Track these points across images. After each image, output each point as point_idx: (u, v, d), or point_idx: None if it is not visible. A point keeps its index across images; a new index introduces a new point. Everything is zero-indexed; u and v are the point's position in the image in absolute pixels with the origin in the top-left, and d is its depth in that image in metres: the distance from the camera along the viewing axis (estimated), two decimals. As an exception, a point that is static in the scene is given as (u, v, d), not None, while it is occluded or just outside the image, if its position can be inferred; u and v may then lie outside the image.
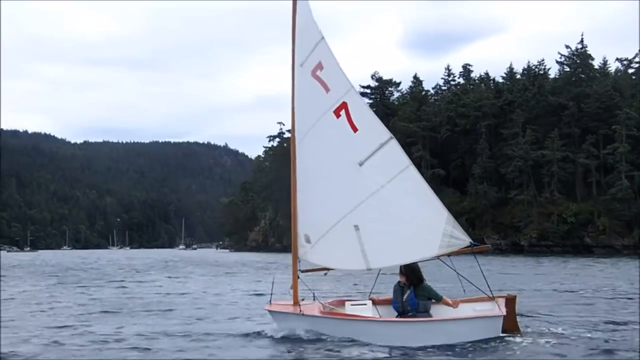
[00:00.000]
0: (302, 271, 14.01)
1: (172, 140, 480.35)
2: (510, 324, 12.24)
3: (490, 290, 12.48)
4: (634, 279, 32.30)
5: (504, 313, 12.00)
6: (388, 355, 11.30)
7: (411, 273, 12.81)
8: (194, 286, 30.32)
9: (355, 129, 13.37)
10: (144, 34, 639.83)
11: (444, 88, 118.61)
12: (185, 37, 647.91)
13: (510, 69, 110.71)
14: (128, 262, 68.54)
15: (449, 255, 12.48)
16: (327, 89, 13.71)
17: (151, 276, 39.94)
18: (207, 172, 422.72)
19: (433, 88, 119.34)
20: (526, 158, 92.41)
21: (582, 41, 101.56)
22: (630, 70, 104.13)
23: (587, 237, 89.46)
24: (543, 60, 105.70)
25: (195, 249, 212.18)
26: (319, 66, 13.85)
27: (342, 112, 13.47)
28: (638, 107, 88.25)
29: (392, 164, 12.97)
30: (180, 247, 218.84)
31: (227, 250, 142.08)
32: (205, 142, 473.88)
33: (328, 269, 14.12)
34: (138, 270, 49.80)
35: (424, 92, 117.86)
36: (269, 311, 13.90)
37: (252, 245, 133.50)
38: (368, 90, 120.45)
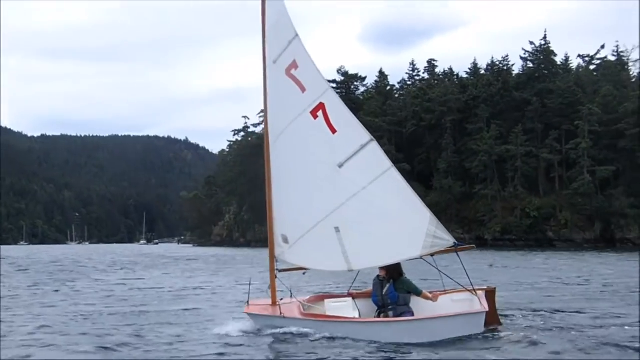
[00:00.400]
0: (280, 271, 13.82)
1: (132, 134, 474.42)
2: (490, 317, 12.27)
3: (472, 284, 12.53)
4: (603, 271, 33.43)
5: (487, 309, 12.04)
6: (371, 356, 11.10)
7: (392, 267, 12.82)
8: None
9: (334, 130, 13.22)
10: (102, 24, 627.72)
11: (409, 83, 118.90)
12: (144, 28, 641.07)
13: (474, 64, 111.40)
14: (101, 259, 66.11)
15: (432, 255, 12.50)
16: (302, 89, 13.49)
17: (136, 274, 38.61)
18: (167, 166, 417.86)
19: (399, 83, 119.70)
20: (491, 153, 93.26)
21: (545, 37, 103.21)
22: (592, 67, 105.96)
23: (549, 231, 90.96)
24: (507, 56, 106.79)
25: (156, 243, 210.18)
26: (294, 65, 13.60)
27: (320, 113, 13.30)
28: (600, 103, 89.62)
29: (373, 166, 12.88)
30: (142, 242, 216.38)
31: (190, 245, 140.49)
32: (166, 135, 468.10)
33: (306, 268, 14.05)
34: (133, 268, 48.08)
35: (389, 87, 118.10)
36: (249, 314, 13.56)
37: (217, 240, 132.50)
38: (334, 85, 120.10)
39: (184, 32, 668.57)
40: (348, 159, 13.05)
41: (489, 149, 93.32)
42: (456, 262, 12.32)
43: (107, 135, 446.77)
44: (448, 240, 12.47)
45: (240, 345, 12.21)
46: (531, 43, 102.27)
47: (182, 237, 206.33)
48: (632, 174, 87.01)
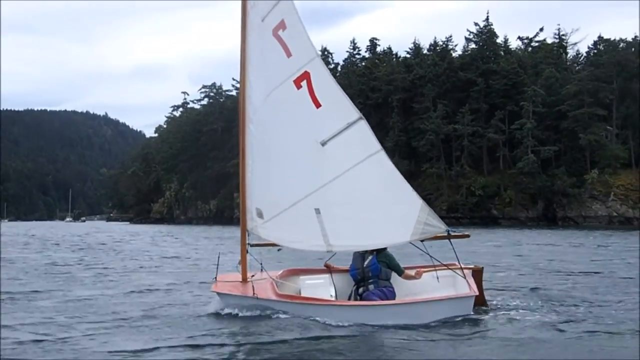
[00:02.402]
0: (252, 245, 12.72)
1: (49, 108, 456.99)
2: (477, 298, 11.81)
3: (460, 263, 12.17)
4: (547, 249, 34.50)
5: (477, 292, 11.66)
6: (352, 340, 10.36)
7: None
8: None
9: (317, 104, 11.98)
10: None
11: (347, 61, 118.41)
12: (61, 1, 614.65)
13: (415, 44, 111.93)
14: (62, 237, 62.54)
15: (422, 240, 11.84)
16: (288, 53, 12.09)
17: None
18: (86, 142, 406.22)
19: (344, 61, 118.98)
20: (438, 132, 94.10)
21: (487, 19, 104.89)
22: (529, 49, 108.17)
23: (494, 209, 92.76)
24: (451, 36, 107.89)
25: (84, 221, 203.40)
26: (282, 25, 12.12)
27: (304, 83, 11.99)
28: (543, 85, 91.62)
29: (361, 147, 11.91)
30: (68, 219, 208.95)
31: (127, 223, 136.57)
32: (84, 111, 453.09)
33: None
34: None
35: (332, 65, 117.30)
36: (217, 293, 12.26)
37: (156, 218, 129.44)
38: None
39: (105, 5, 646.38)
40: (332, 136, 11.94)
41: (436, 128, 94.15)
42: (439, 242, 11.92)
43: (23, 109, 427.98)
44: (440, 227, 11.79)
45: (209, 329, 11.10)
46: (476, 24, 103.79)
47: (111, 214, 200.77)
48: (573, 154, 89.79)
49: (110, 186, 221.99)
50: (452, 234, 12.02)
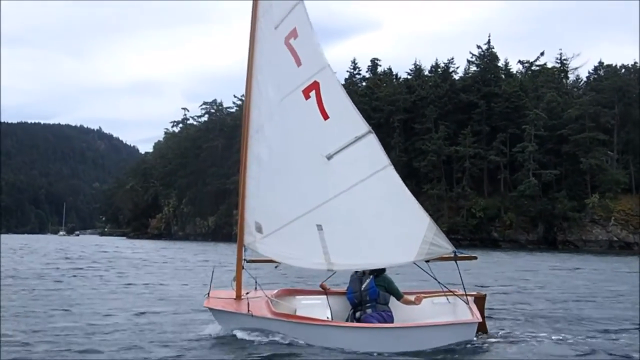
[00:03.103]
0: (249, 261, 12.31)
1: (42, 121, 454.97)
2: (479, 325, 11.46)
3: (464, 289, 11.74)
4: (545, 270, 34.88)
5: (480, 320, 11.27)
6: None
7: None
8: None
9: (325, 116, 11.62)
10: (14, 6, 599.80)
11: (354, 80, 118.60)
12: (58, 15, 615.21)
13: (416, 65, 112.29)
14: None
15: (427, 261, 11.47)
16: (298, 62, 11.76)
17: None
18: (79, 156, 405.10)
19: (345, 80, 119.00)
20: (439, 153, 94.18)
21: (489, 42, 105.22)
22: (529, 73, 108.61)
23: (494, 232, 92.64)
24: (452, 58, 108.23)
25: (77, 235, 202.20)
26: (293, 33, 11.79)
27: (312, 94, 11.62)
28: (544, 109, 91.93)
29: (368, 162, 11.46)
30: (61, 233, 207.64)
31: (123, 238, 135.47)
32: (78, 124, 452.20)
33: (279, 262, 12.56)
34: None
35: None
36: (210, 309, 11.89)
37: (154, 233, 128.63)
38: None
39: (101, 21, 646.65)
40: (339, 150, 11.52)
41: (437, 149, 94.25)
42: (442, 265, 11.61)
43: (16, 122, 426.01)
44: (447, 248, 11.29)
45: (200, 347, 10.90)
46: (478, 47, 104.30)
47: (106, 229, 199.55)
48: (574, 178, 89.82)
49: (103, 200, 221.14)
50: (459, 255, 11.47)
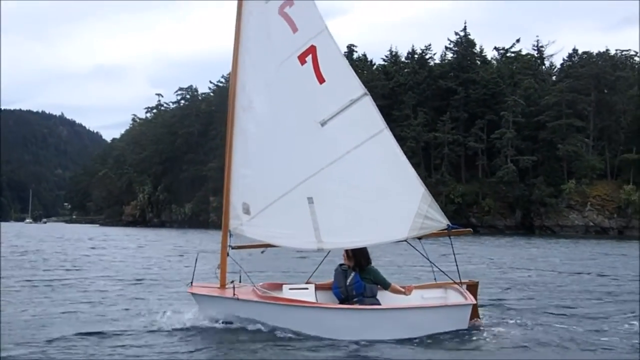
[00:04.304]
0: (234, 247, 11.54)
1: (3, 107, 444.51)
2: (472, 311, 10.96)
3: (459, 276, 11.25)
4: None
5: (474, 302, 10.82)
6: (339, 347, 9.81)
7: (359, 254, 11.07)
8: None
9: (321, 80, 11.00)
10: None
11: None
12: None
13: (391, 51, 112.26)
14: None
15: (420, 238, 10.85)
16: (294, 29, 11.18)
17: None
18: (41, 142, 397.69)
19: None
20: (418, 139, 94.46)
21: (465, 29, 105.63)
22: (504, 59, 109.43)
23: (472, 217, 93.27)
24: (430, 45, 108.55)
25: (45, 222, 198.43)
26: (289, 2, 11.23)
27: (309, 58, 11.05)
28: (522, 95, 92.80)
29: (363, 126, 10.92)
30: (27, 220, 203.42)
31: (97, 225, 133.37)
32: (40, 110, 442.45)
33: (266, 246, 11.83)
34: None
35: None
36: (193, 294, 11.20)
37: (129, 220, 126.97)
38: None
39: (63, 6, 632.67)
40: (333, 115, 10.94)
41: (416, 135, 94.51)
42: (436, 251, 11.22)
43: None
44: (441, 221, 10.80)
45: (185, 335, 10.41)
46: (456, 34, 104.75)
47: (74, 216, 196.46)
48: (551, 165, 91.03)
49: (70, 187, 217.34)
50: (453, 230, 10.91)
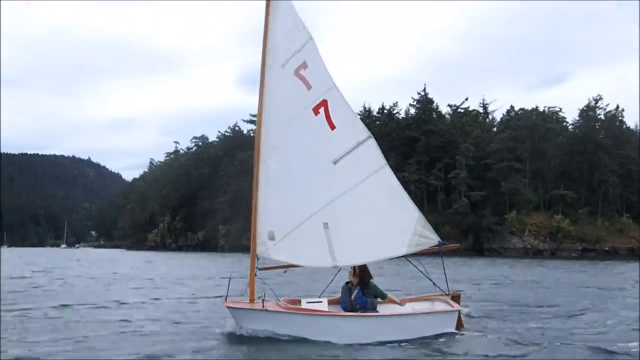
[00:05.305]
0: (261, 269, 11.59)
1: (40, 152, 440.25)
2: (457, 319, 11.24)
3: (448, 288, 11.60)
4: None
5: (459, 308, 11.15)
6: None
7: (364, 272, 11.33)
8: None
9: (332, 127, 11.35)
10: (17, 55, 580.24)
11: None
12: (48, 59, 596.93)
13: (364, 107, 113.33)
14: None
15: (415, 254, 11.19)
16: (308, 87, 11.52)
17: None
18: (72, 182, 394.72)
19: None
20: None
21: (424, 89, 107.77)
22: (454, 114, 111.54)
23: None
24: (397, 102, 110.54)
25: (77, 247, 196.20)
26: (303, 65, 11.55)
27: (321, 110, 11.38)
28: (472, 143, 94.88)
29: (368, 163, 11.28)
30: (63, 245, 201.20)
31: (124, 250, 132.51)
32: (71, 155, 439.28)
33: (288, 267, 11.87)
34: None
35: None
36: (229, 308, 11.05)
37: (151, 245, 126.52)
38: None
39: (85, 64, 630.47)
40: (343, 155, 11.24)
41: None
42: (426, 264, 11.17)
43: (17, 153, 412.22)
44: (433, 239, 11.22)
45: (223, 343, 10.54)
46: (419, 93, 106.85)
47: (102, 242, 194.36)
48: (496, 199, 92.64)
49: (97, 218, 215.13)
50: (443, 246, 11.25)
